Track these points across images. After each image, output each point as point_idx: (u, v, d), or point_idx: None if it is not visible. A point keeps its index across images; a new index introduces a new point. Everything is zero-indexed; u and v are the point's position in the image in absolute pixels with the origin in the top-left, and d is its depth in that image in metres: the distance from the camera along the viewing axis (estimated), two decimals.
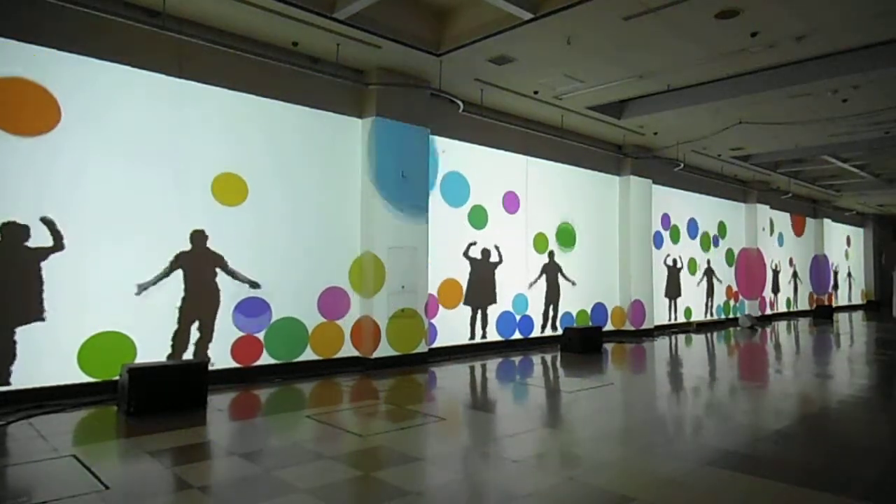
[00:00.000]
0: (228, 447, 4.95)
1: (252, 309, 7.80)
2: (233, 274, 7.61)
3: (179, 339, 7.19)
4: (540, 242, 11.93)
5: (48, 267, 6.31)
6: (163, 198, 7.12)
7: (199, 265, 7.38)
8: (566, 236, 12.52)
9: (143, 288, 6.94)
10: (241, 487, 3.96)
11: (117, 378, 6.22)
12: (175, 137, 7.24)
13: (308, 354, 8.33)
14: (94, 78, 6.68)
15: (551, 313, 12.12)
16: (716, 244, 17.42)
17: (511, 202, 11.31)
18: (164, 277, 7.10)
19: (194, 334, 7.31)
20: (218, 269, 7.52)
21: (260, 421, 5.97)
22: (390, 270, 8.86)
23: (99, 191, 6.67)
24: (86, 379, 6.52)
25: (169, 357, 7.09)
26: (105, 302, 6.66)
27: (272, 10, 6.99)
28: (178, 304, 7.20)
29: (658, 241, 14.97)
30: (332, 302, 8.61)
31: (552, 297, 12.16)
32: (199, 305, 7.35)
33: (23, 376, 6.14)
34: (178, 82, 7.27)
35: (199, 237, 7.39)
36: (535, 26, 7.37)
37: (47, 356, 6.29)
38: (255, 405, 6.59)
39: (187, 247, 7.29)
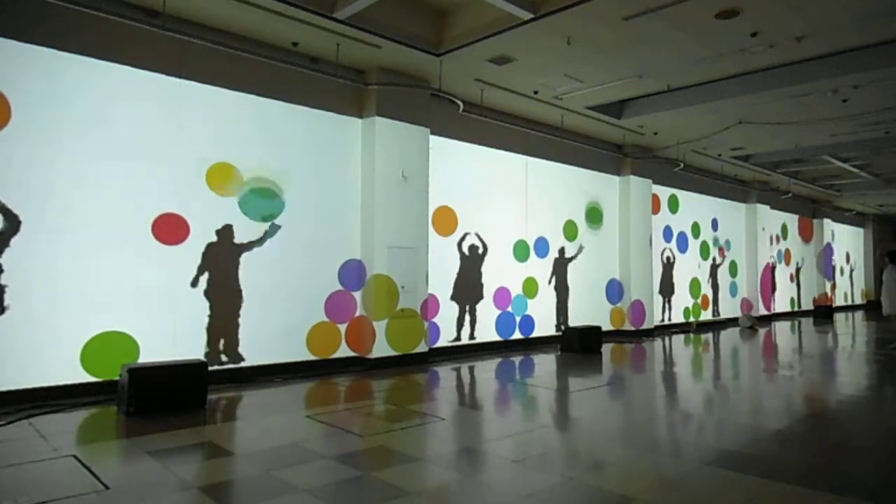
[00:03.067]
0: (228, 447, 4.95)
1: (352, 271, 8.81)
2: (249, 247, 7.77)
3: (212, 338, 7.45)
4: (541, 244, 11.96)
5: (48, 266, 6.32)
6: (163, 197, 7.12)
7: (223, 260, 7.57)
8: (594, 215, 13.21)
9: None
10: (241, 487, 3.97)
11: (117, 378, 6.22)
12: (175, 137, 7.24)
13: (308, 354, 8.34)
14: (94, 78, 6.68)
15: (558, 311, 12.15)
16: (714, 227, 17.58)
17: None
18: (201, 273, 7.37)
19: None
20: (241, 261, 7.67)
21: (260, 421, 5.96)
22: (397, 279, 8.96)
23: (99, 190, 6.67)
24: (86, 379, 6.52)
25: (206, 356, 7.34)
26: (106, 302, 6.66)
27: (272, 10, 7.00)
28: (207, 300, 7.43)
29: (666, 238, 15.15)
30: (337, 306, 8.67)
31: (562, 295, 12.23)
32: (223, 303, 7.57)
33: (23, 376, 6.14)
34: (177, 82, 7.28)
35: (225, 232, 7.57)
36: (535, 26, 7.37)
37: (48, 356, 6.29)
38: (255, 405, 6.59)
39: (213, 239, 7.51)
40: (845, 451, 4.99)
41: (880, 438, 5.47)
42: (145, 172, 6.99)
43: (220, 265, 7.53)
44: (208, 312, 7.40)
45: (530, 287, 11.60)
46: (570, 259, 12.45)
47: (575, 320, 12.40)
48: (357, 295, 8.86)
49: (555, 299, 12.19)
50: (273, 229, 7.95)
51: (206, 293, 7.39)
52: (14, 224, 6.19)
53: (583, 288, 12.85)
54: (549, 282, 12.00)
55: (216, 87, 7.58)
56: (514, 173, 11.44)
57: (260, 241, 7.84)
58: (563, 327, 11.86)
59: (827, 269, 23.64)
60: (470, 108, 10.05)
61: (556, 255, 12.18)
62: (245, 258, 7.74)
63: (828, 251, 23.66)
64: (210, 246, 7.44)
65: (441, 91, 9.41)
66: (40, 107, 6.33)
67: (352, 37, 7.73)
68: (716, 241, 17.50)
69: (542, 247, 11.96)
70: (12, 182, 6.14)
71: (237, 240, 7.66)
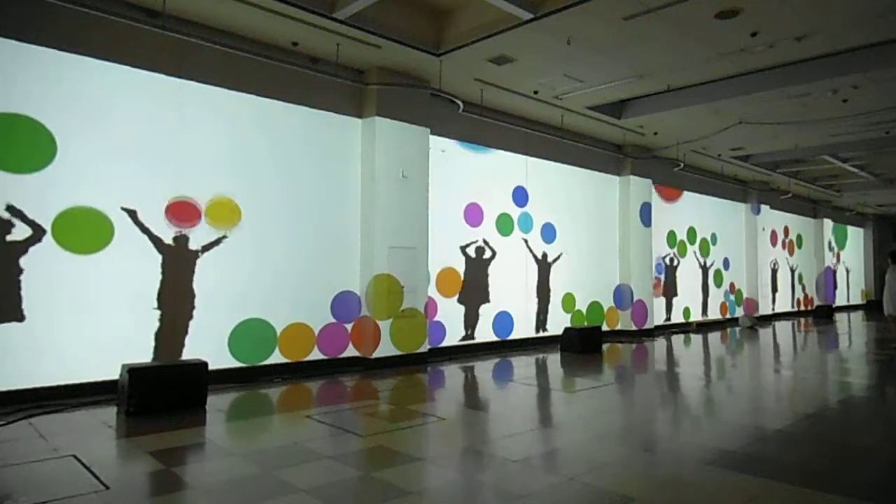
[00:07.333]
0: (228, 447, 4.95)
1: (345, 302, 8.73)
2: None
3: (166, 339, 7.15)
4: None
5: (47, 265, 6.31)
6: (163, 197, 7.12)
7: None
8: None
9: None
10: (241, 487, 3.96)
11: (117, 378, 6.21)
12: (175, 137, 7.24)
13: (309, 355, 8.33)
14: (94, 78, 6.67)
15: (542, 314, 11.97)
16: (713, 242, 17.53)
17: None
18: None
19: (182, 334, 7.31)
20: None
21: (260, 421, 5.96)
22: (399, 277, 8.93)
23: (98, 190, 6.67)
24: (86, 379, 6.52)
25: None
26: (107, 302, 6.66)
27: (272, 10, 7.00)
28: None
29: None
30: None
31: (543, 296, 12.02)
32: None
33: (23, 376, 6.14)
34: (178, 82, 7.27)
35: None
36: (535, 26, 7.37)
37: (48, 356, 6.29)
38: (255, 405, 6.59)
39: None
40: (846, 451, 4.99)
41: (881, 438, 5.47)
42: (145, 173, 6.99)
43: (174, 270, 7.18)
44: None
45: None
46: (553, 261, 12.26)
47: (570, 320, 12.36)
48: (359, 296, 8.88)
49: (537, 301, 11.91)
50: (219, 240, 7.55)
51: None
52: (38, 234, 6.25)
53: (582, 289, 12.85)
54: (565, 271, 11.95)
55: (216, 87, 7.58)
56: (514, 173, 11.45)
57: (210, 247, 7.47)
58: (542, 329, 11.87)
59: (828, 292, 23.36)
60: (470, 108, 10.05)
61: (540, 258, 11.94)
62: (245, 258, 7.74)
63: (828, 274, 23.39)
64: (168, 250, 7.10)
65: (441, 91, 9.41)
66: (40, 107, 6.32)
67: (352, 37, 7.73)
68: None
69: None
70: (12, 182, 6.14)
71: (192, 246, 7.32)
